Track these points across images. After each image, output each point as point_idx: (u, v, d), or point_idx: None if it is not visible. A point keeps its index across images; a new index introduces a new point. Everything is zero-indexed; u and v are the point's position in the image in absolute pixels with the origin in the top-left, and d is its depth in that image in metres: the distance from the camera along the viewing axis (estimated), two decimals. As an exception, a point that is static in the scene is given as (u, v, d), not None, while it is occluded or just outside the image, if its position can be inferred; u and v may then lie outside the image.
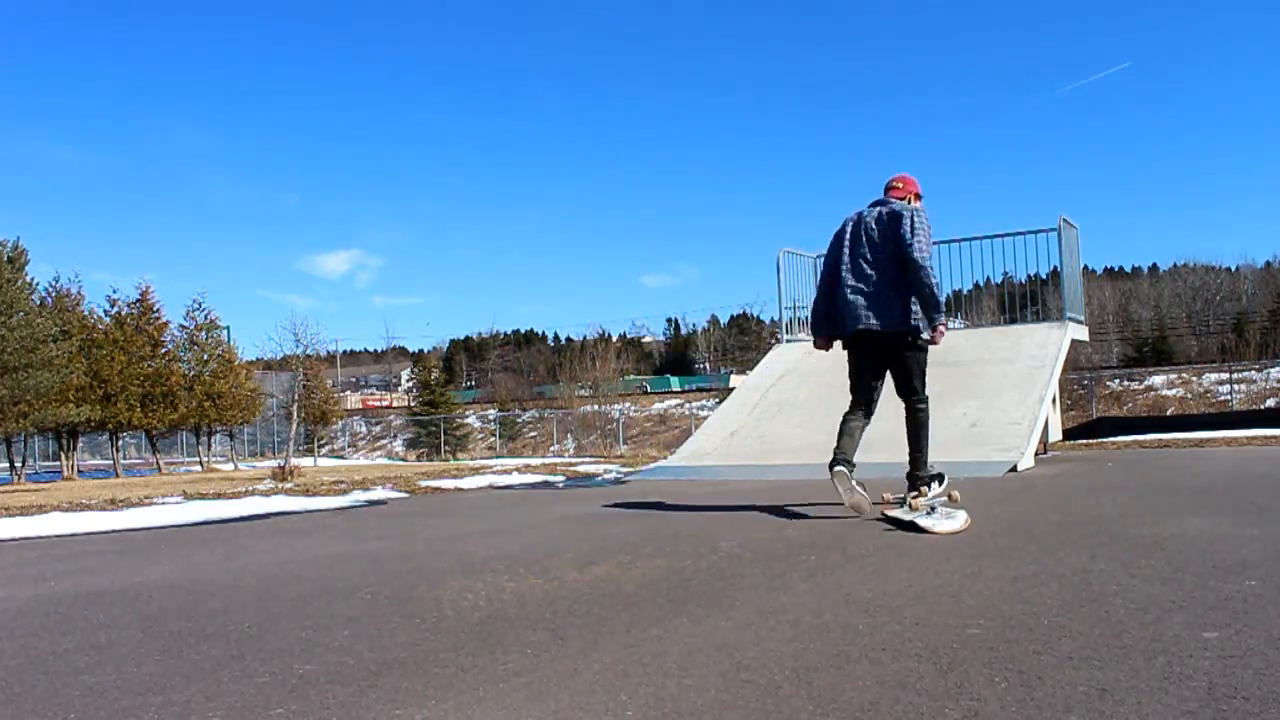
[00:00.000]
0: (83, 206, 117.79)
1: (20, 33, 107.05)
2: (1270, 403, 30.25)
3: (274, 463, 16.81)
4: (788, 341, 11.81)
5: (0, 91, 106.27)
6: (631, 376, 53.15)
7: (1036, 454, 8.53)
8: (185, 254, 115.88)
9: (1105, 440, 13.09)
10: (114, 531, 5.70)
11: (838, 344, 5.04)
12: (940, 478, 4.92)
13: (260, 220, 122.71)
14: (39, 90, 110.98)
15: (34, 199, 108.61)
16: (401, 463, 28.47)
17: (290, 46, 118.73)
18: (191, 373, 22.06)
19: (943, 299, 4.81)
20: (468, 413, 49.40)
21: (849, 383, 5.00)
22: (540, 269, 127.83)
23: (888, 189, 5.06)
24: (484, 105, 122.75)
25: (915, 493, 4.68)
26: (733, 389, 12.92)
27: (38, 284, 19.20)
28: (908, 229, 4.70)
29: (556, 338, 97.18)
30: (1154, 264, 78.89)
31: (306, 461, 22.17)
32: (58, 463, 22.20)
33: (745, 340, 76.68)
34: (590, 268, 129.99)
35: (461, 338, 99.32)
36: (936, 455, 7.95)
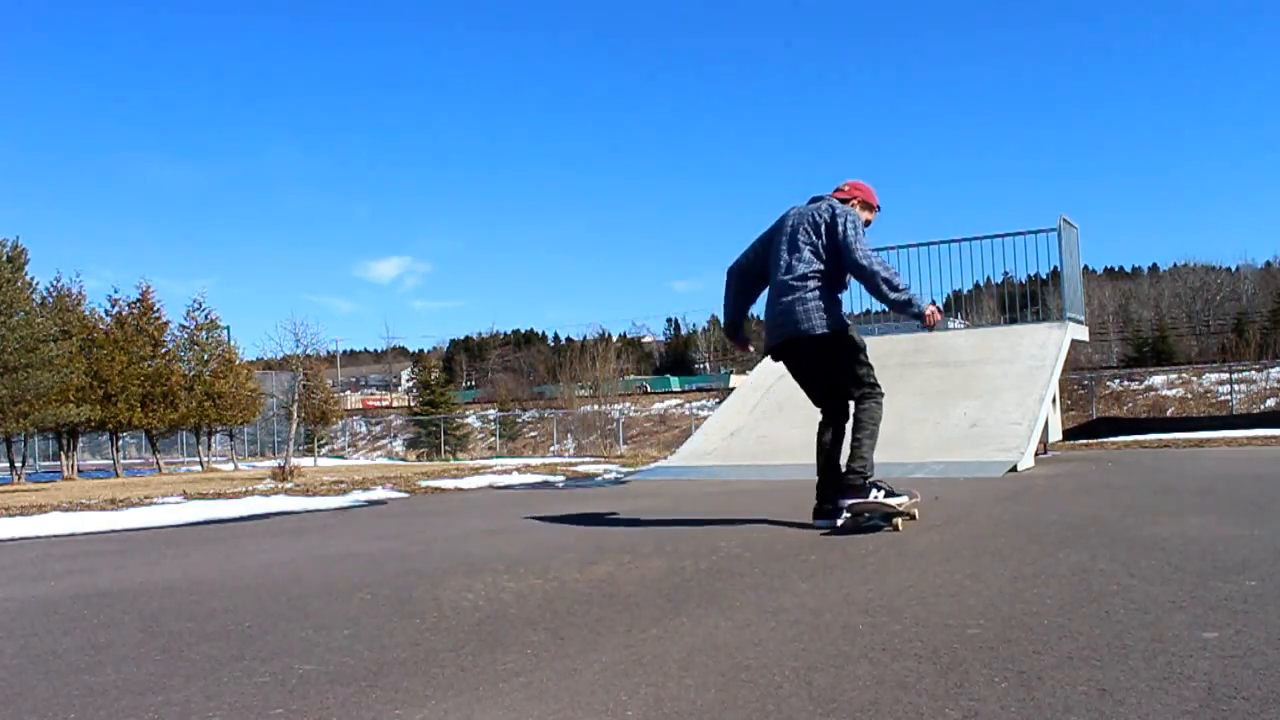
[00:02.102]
0: (173, 219, 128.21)
1: (138, 65, 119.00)
2: (1270, 403, 30.24)
3: (274, 463, 16.79)
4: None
5: (117, 117, 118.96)
6: (631, 376, 53.15)
7: (1036, 454, 8.53)
8: (251, 263, 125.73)
9: (1105, 440, 13.10)
10: (114, 531, 5.70)
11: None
12: (884, 489, 4.31)
13: (328, 229, 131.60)
14: (152, 115, 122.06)
15: (136, 213, 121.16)
16: (401, 463, 28.46)
17: (378, 68, 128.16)
18: (192, 373, 22.06)
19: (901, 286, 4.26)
20: (468, 413, 49.39)
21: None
22: (539, 268, 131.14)
23: (835, 191, 4.63)
24: (486, 103, 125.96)
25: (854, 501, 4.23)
26: (733, 389, 12.89)
27: (38, 284, 19.21)
28: (844, 229, 4.30)
29: (556, 338, 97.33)
30: (1154, 264, 79.10)
31: (306, 461, 22.17)
32: (58, 463, 22.21)
33: (745, 340, 76.47)
34: (590, 267, 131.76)
35: (461, 338, 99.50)
36: (938, 455, 7.99)
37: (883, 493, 4.21)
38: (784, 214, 4.54)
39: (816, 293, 4.31)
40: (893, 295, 4.19)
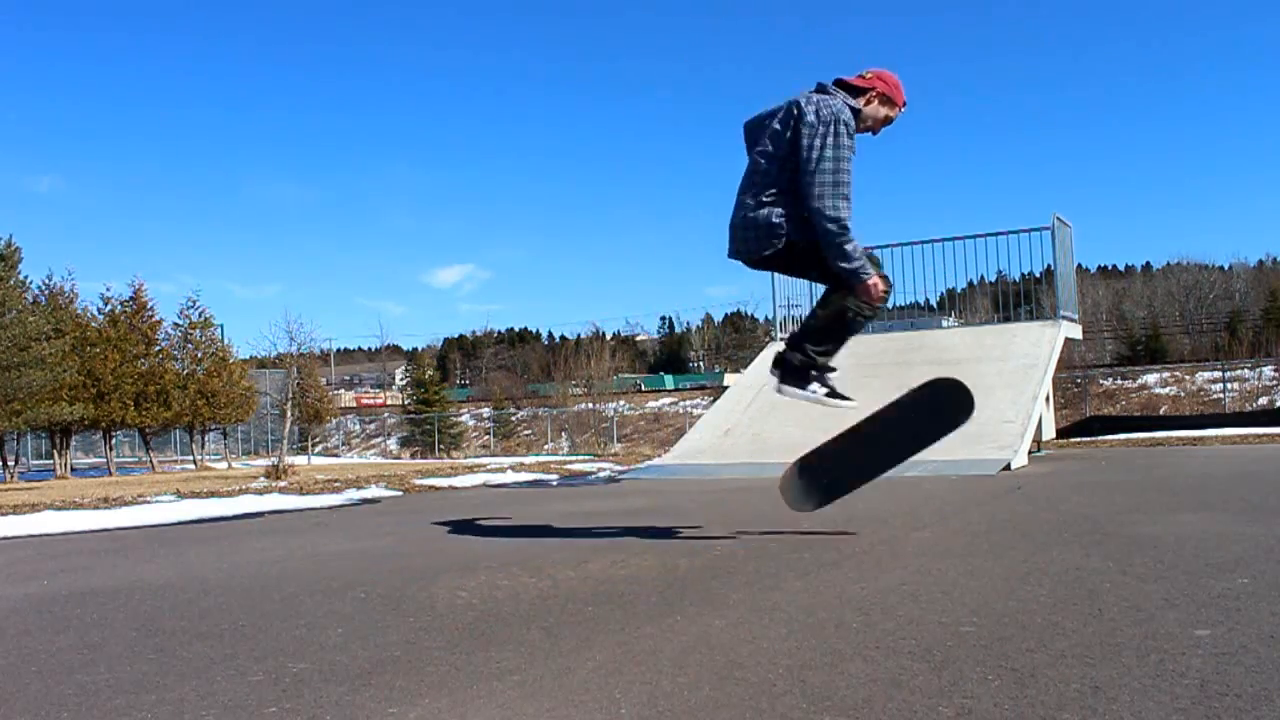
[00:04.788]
0: (272, 232, 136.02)
1: (267, 94, 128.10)
2: (1263, 401, 30.35)
3: (268, 461, 16.76)
4: (782, 339, 11.82)
5: (242, 139, 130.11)
6: (625, 375, 53.12)
7: (1030, 452, 8.55)
8: (321, 270, 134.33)
9: (1098, 439, 13.11)
10: (107, 530, 5.68)
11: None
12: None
13: (410, 242, 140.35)
14: (279, 139, 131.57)
15: (246, 227, 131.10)
16: (395, 461, 28.42)
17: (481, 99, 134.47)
18: (185, 371, 22.02)
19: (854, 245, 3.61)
20: (462, 411, 49.40)
21: None
22: (535, 267, 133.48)
23: (855, 77, 3.87)
24: (479, 98, 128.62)
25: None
26: (727, 387, 12.88)
27: (30, 282, 19.16)
28: (813, 146, 3.59)
29: (551, 336, 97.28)
30: (1147, 262, 79.40)
31: (300, 460, 22.13)
32: (51, 461, 22.16)
33: (739, 339, 76.76)
34: (585, 265, 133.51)
35: (455, 336, 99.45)
36: (931, 454, 7.98)
37: (824, 390, 3.85)
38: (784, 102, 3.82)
39: (768, 208, 3.71)
40: (840, 264, 3.60)
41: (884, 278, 3.71)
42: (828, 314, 3.81)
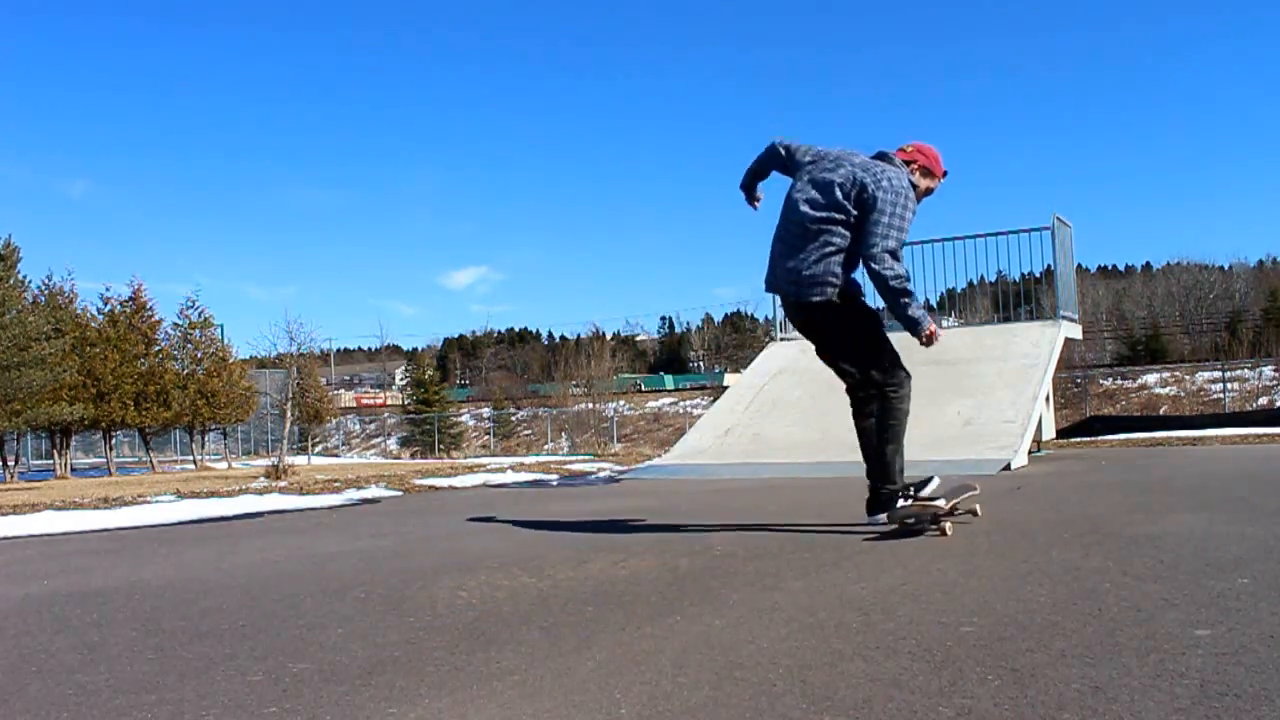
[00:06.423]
0: (296, 237, 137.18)
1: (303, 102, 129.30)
2: (1262, 401, 30.36)
3: (268, 461, 16.75)
4: (782, 340, 11.82)
5: (276, 148, 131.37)
6: (625, 375, 53.12)
7: (1030, 452, 8.55)
8: (337, 272, 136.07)
9: (1098, 439, 13.10)
10: (107, 530, 5.68)
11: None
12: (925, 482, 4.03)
13: (428, 245, 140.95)
14: (308, 145, 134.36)
15: (275, 231, 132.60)
16: (395, 461, 28.42)
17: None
18: (185, 371, 22.01)
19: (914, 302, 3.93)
20: (462, 411, 49.40)
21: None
22: (547, 268, 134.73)
23: (898, 151, 4.16)
24: (478, 93, 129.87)
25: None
26: (727, 387, 12.89)
27: (30, 282, 19.16)
28: (883, 214, 3.86)
29: (551, 336, 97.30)
30: (1147, 262, 79.45)
31: (300, 460, 22.12)
32: (51, 461, 22.15)
33: (740, 338, 76.75)
34: (586, 266, 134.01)
35: (455, 336, 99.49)
36: (932, 454, 7.99)
37: (911, 500, 3.91)
38: (838, 150, 4.11)
39: (831, 257, 3.95)
40: (907, 312, 3.89)
41: (935, 328, 3.99)
42: (883, 434, 4.01)
